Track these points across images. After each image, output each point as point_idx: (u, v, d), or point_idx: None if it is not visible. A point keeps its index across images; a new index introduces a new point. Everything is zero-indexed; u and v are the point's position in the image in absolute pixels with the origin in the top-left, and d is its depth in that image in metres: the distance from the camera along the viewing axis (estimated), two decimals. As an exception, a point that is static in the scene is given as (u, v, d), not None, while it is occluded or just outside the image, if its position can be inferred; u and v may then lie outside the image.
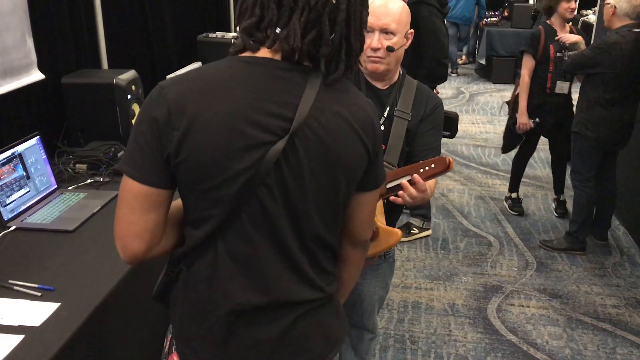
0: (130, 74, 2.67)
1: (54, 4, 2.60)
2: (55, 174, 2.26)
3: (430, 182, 1.63)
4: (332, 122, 1.07)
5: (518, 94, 3.89)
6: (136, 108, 2.67)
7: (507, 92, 7.72)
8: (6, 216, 1.96)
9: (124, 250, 1.09)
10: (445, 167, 1.56)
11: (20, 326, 1.44)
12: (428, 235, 4.08)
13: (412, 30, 1.77)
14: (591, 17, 6.69)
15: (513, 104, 3.98)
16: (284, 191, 1.06)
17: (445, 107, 1.99)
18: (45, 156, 2.20)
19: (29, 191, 2.09)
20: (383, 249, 1.73)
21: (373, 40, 1.70)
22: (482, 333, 2.89)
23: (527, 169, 5.02)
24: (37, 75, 2.48)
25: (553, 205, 4.31)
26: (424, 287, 3.30)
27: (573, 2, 3.65)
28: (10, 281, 1.62)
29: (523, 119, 3.85)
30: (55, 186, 2.23)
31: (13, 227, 1.94)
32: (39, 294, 1.57)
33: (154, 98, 1.03)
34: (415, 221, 3.85)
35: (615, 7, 3.31)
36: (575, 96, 3.73)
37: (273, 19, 1.03)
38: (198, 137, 1.00)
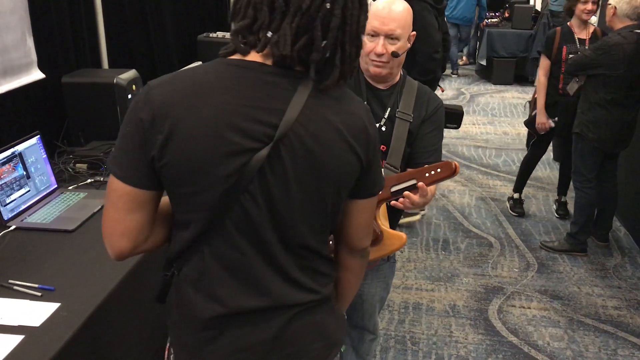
0: (130, 73, 2.67)
1: (54, 3, 2.60)
2: (55, 174, 2.26)
3: (432, 186, 1.62)
4: (321, 130, 1.04)
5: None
6: (137, 108, 2.66)
7: (507, 93, 7.73)
8: (6, 216, 1.95)
9: (110, 247, 1.09)
10: (451, 172, 1.54)
11: (20, 326, 1.43)
12: (418, 220, 4.08)
13: (414, 32, 1.76)
14: (593, 18, 6.67)
15: (533, 104, 4.05)
16: (268, 199, 1.04)
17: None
18: (45, 155, 2.20)
19: (29, 191, 2.08)
20: (387, 252, 1.72)
21: (378, 45, 1.69)
22: (483, 334, 2.88)
23: (528, 170, 5.04)
24: (37, 75, 2.47)
25: (554, 206, 4.30)
26: (424, 288, 3.29)
27: (590, 4, 3.64)
28: (10, 281, 1.61)
29: (542, 118, 3.89)
30: (56, 186, 2.22)
31: (13, 227, 1.93)
32: (39, 294, 1.56)
33: (141, 99, 1.01)
34: None
35: (615, 7, 3.31)
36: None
37: (265, 22, 1.00)
38: (180, 141, 0.98)
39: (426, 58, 3.48)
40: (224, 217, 1.04)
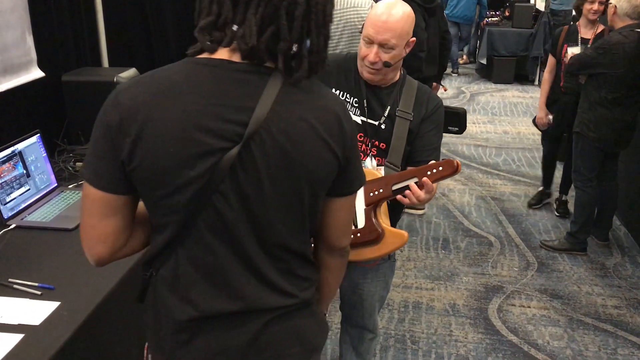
0: (130, 72, 2.67)
1: (54, 2, 2.60)
2: (55, 172, 2.26)
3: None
4: (294, 127, 1.02)
5: None
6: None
7: (507, 92, 7.73)
8: (6, 214, 1.95)
9: (88, 253, 1.09)
10: (453, 170, 1.54)
11: (20, 325, 1.43)
12: (424, 212, 4.09)
13: (413, 39, 1.75)
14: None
15: None
16: (241, 198, 1.02)
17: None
18: (45, 154, 2.20)
19: (29, 189, 2.08)
20: (389, 251, 1.72)
21: (371, 54, 1.68)
22: (483, 333, 2.88)
23: (528, 169, 5.05)
24: (37, 73, 2.47)
25: (554, 205, 4.31)
26: (424, 287, 3.29)
27: (596, 4, 3.66)
28: (10, 280, 1.61)
29: (540, 113, 4.04)
30: (56, 184, 2.22)
31: (13, 226, 1.93)
32: (39, 292, 1.56)
33: (109, 103, 1.00)
34: None
35: (616, 7, 3.31)
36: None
37: (229, 15, 0.98)
38: (149, 144, 0.97)
39: (410, 56, 3.49)
40: (197, 219, 1.02)
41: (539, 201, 4.35)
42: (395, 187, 1.63)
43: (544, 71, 4.21)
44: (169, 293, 1.09)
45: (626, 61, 3.21)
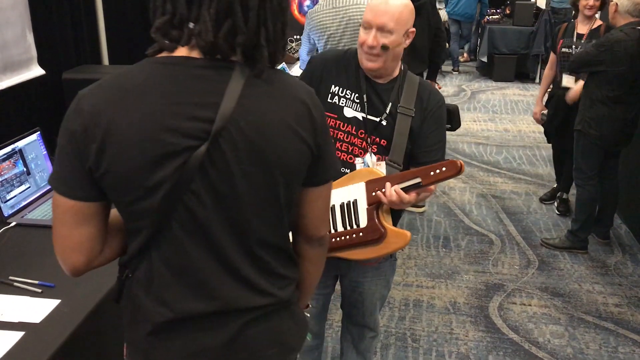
0: (131, 69, 2.66)
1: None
2: (55, 170, 2.25)
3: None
4: (263, 119, 1.01)
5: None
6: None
7: (508, 90, 7.72)
8: (6, 212, 1.95)
9: (63, 264, 1.07)
10: (456, 171, 1.53)
11: (20, 322, 1.43)
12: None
13: (413, 29, 1.75)
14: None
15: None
16: (214, 196, 1.01)
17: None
18: (45, 152, 2.20)
19: (30, 187, 2.08)
20: (392, 250, 1.71)
21: (369, 37, 1.68)
22: (483, 331, 2.88)
23: (529, 167, 5.04)
24: (37, 71, 2.47)
25: (555, 203, 4.30)
26: (425, 285, 3.29)
27: (591, 0, 3.68)
28: (11, 277, 1.61)
29: (535, 108, 4.16)
30: (56, 182, 2.22)
31: (13, 223, 1.93)
32: (40, 290, 1.56)
33: (71, 110, 0.98)
34: None
35: (617, 4, 3.30)
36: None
37: (184, 13, 0.97)
38: (114, 149, 0.95)
39: None
40: (171, 220, 1.01)
41: (550, 197, 4.36)
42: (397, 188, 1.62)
43: (544, 69, 4.24)
44: (144, 295, 1.08)
45: (627, 59, 3.20)
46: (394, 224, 1.82)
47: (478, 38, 9.07)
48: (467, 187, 4.66)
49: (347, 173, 1.78)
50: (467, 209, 4.26)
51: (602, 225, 3.77)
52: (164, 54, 1.01)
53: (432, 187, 1.62)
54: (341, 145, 1.80)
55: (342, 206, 1.73)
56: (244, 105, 0.99)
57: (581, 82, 3.57)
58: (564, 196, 4.22)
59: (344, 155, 1.80)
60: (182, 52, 1.00)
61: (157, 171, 0.97)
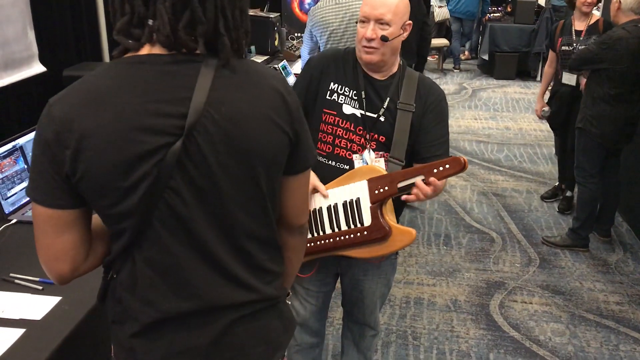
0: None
1: (56, -4, 2.59)
2: (56, 167, 2.25)
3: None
4: (237, 110, 1.00)
5: None
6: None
7: (509, 88, 7.71)
8: (7, 209, 1.95)
9: (49, 273, 1.06)
10: (460, 168, 1.52)
11: (21, 320, 1.43)
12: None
13: (410, 22, 1.75)
14: (596, 12, 6.65)
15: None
16: (195, 192, 1.01)
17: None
18: (46, 149, 2.19)
19: (30, 184, 2.08)
20: (397, 248, 1.71)
21: (368, 30, 1.69)
22: (484, 329, 2.88)
23: (530, 165, 5.04)
24: (38, 68, 2.46)
25: (558, 200, 4.30)
26: (426, 283, 3.29)
27: None
28: (12, 274, 1.61)
29: (536, 105, 4.17)
30: (57, 179, 2.22)
31: (14, 221, 1.93)
32: (41, 287, 1.56)
33: (43, 118, 0.98)
34: None
35: (620, 2, 3.29)
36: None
37: (142, 11, 0.96)
38: (89, 153, 0.95)
39: None
40: (152, 220, 1.00)
41: (552, 195, 4.36)
42: (401, 185, 1.61)
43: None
44: (129, 295, 1.07)
45: (629, 57, 3.20)
46: (397, 220, 1.81)
47: (479, 36, 9.06)
48: (468, 185, 4.65)
49: (346, 170, 1.78)
50: (468, 207, 4.26)
51: (603, 223, 3.76)
52: (129, 55, 1.01)
53: (443, 181, 1.60)
54: (340, 142, 1.80)
55: (344, 205, 1.73)
56: (216, 97, 0.99)
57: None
58: (568, 194, 4.21)
59: (343, 152, 1.80)
60: (146, 50, 1.00)
61: (134, 171, 0.96)
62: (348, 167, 1.78)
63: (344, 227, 1.72)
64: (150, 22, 0.97)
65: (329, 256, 1.81)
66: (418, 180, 1.57)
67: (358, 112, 1.77)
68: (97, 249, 1.10)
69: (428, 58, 9.21)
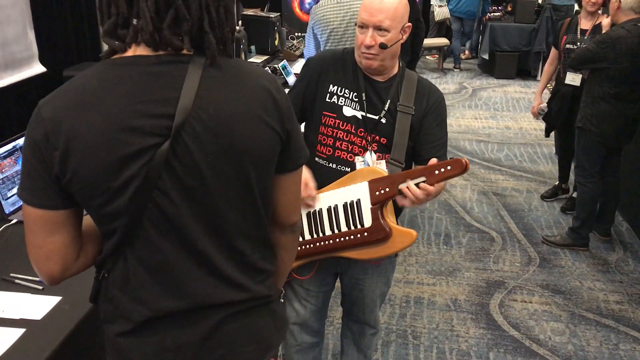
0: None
1: (56, -3, 2.59)
2: (56, 167, 2.25)
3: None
4: (225, 110, 1.00)
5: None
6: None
7: (509, 88, 7.71)
8: (7, 209, 1.96)
9: (39, 273, 1.07)
10: (461, 170, 1.51)
11: (21, 319, 1.43)
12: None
13: (409, 24, 1.75)
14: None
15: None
16: (184, 192, 1.01)
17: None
18: (46, 149, 2.19)
19: (31, 184, 2.08)
20: (397, 249, 1.71)
21: (366, 37, 1.68)
22: (484, 329, 2.88)
23: (530, 164, 5.04)
24: (38, 68, 2.47)
25: (558, 199, 4.31)
26: (426, 282, 3.29)
27: None
28: (12, 274, 1.61)
29: (534, 102, 4.19)
30: (57, 179, 2.22)
31: (14, 221, 1.93)
32: (41, 287, 1.56)
33: (33, 119, 0.98)
34: None
35: (620, 1, 3.29)
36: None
37: (126, 12, 0.97)
38: (78, 154, 0.95)
39: None
40: (142, 220, 1.01)
41: (552, 194, 4.35)
42: (401, 186, 1.61)
43: None
44: (121, 294, 1.08)
45: (629, 56, 3.20)
46: (396, 220, 1.81)
47: (480, 35, 9.05)
48: (468, 185, 4.65)
49: (347, 172, 1.78)
50: (468, 206, 4.26)
51: (603, 222, 3.76)
52: (116, 56, 1.01)
53: (441, 183, 1.60)
54: (341, 144, 1.79)
55: (345, 206, 1.73)
56: (204, 97, 0.99)
57: None
58: (574, 194, 4.20)
59: (344, 154, 1.80)
60: (134, 51, 1.00)
61: (123, 172, 0.96)
62: (349, 169, 1.78)
63: (344, 228, 1.72)
64: (134, 22, 0.97)
65: (328, 257, 1.81)
66: (419, 182, 1.57)
67: (359, 114, 1.77)
68: (88, 249, 1.10)
69: (429, 57, 9.26)
